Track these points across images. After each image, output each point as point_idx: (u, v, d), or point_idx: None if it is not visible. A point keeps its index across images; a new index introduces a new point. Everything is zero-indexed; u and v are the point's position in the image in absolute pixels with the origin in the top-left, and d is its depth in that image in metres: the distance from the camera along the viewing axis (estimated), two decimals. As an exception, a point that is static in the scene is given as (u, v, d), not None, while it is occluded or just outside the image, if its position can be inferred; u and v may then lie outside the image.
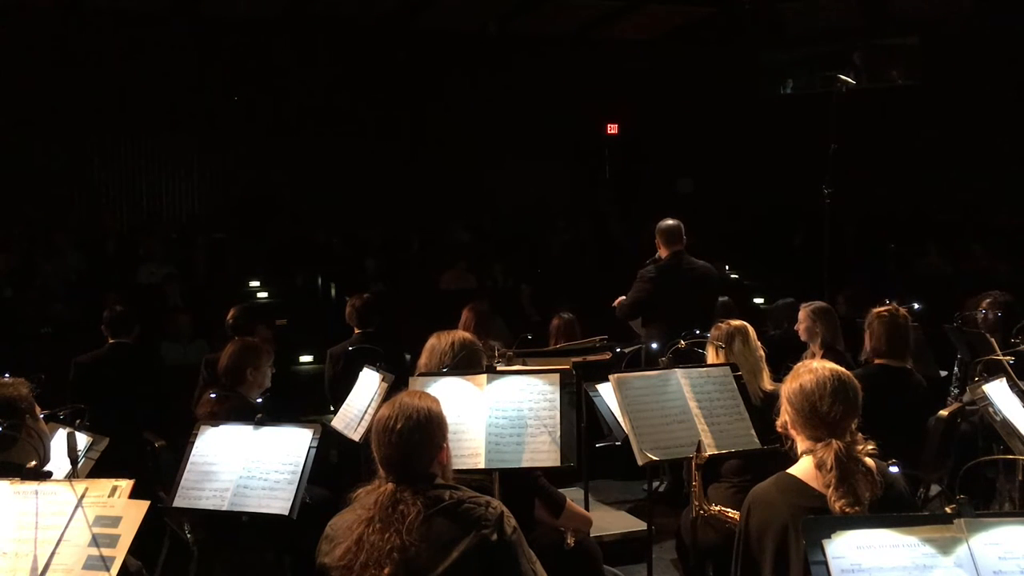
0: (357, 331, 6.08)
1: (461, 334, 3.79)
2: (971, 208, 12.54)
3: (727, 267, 11.24)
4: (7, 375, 2.94)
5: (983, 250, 10.66)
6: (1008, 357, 4.17)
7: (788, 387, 2.63)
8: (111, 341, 5.78)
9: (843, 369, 2.62)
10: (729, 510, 3.54)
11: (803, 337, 5.34)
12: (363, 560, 2.42)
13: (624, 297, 6.37)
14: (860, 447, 2.48)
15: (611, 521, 5.38)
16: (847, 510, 2.36)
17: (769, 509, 2.48)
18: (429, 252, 12.14)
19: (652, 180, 15.07)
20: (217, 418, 3.92)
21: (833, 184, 6.60)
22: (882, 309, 4.43)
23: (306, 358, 8.57)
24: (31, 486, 2.44)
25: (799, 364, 2.70)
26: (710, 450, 3.53)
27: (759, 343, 4.26)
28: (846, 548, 2.01)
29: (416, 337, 3.97)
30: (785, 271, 10.94)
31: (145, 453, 4.46)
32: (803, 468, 2.53)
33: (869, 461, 2.48)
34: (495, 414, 3.37)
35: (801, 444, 2.58)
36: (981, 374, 3.89)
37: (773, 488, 2.53)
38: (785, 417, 2.64)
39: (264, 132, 13.22)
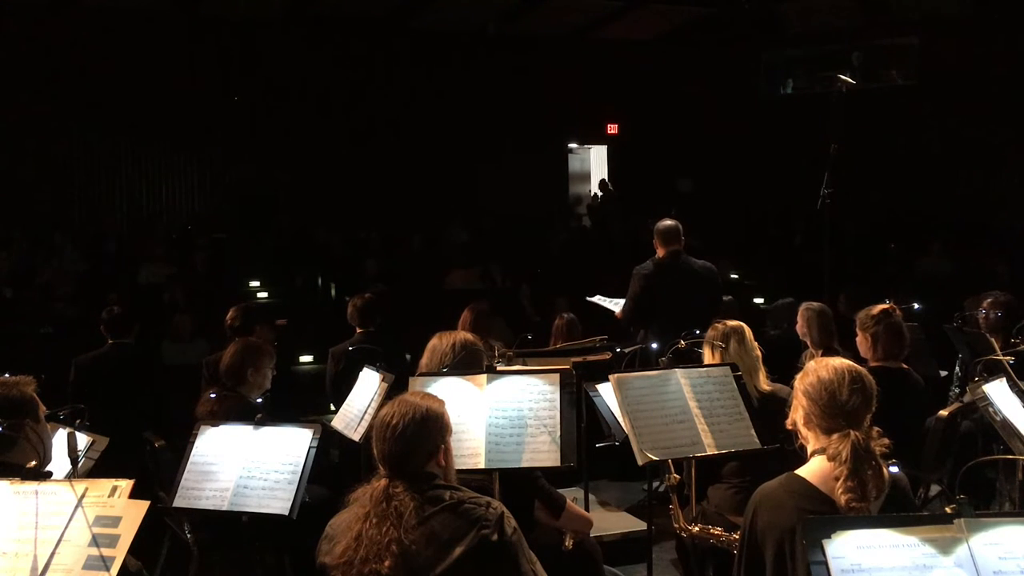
0: (359, 331, 6.08)
1: (463, 335, 3.78)
2: (971, 208, 12.55)
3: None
4: (7, 375, 2.94)
5: (983, 250, 10.66)
6: (1008, 357, 4.17)
7: (804, 381, 2.59)
8: (111, 341, 5.78)
9: (858, 365, 2.62)
10: (712, 527, 3.55)
11: (802, 337, 5.35)
12: (363, 555, 2.42)
13: (622, 303, 6.34)
14: (875, 441, 2.47)
15: (611, 521, 5.38)
16: (853, 504, 2.34)
17: (776, 511, 2.46)
18: (430, 252, 12.14)
19: (652, 180, 15.07)
20: (217, 418, 3.93)
21: (833, 184, 6.59)
22: (876, 311, 4.40)
23: (306, 358, 8.57)
24: (31, 486, 2.44)
25: (810, 362, 2.69)
26: (710, 450, 3.53)
27: (756, 343, 4.25)
28: (846, 548, 2.00)
29: (419, 337, 3.96)
30: (785, 271, 10.94)
31: (145, 453, 4.46)
32: (812, 470, 2.50)
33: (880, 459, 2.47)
34: (495, 414, 3.36)
35: (813, 443, 2.55)
36: (981, 374, 3.89)
37: (781, 489, 2.50)
38: (797, 413, 2.61)
39: (264, 132, 13.22)
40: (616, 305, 6.45)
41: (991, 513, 2.51)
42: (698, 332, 4.54)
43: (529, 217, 13.96)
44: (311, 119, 13.45)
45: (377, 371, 4.62)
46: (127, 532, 2.33)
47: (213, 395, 4.32)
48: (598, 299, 6.75)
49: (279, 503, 3.36)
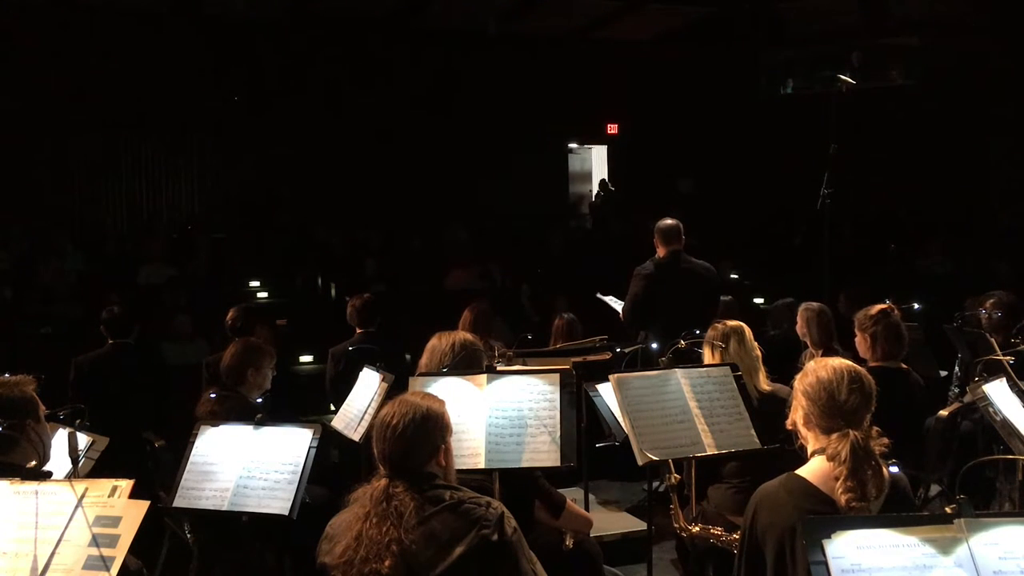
0: (359, 331, 6.09)
1: (462, 335, 3.78)
2: (971, 208, 12.55)
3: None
4: (7, 375, 2.94)
5: (983, 250, 10.66)
6: (1008, 357, 4.17)
7: (803, 381, 2.60)
8: (111, 341, 5.78)
9: (857, 365, 2.62)
10: (712, 527, 3.55)
11: (802, 338, 5.35)
12: (363, 555, 2.43)
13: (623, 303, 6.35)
14: (875, 441, 2.47)
15: (611, 521, 5.38)
16: (853, 504, 2.34)
17: (776, 510, 2.46)
18: (430, 252, 12.13)
19: (652, 180, 15.07)
20: (217, 418, 3.93)
21: (833, 184, 6.59)
22: (874, 311, 4.40)
23: (306, 358, 8.57)
24: (31, 486, 2.44)
25: (810, 362, 2.69)
26: (710, 450, 3.53)
27: (755, 343, 4.25)
28: (846, 548, 2.01)
29: (419, 337, 3.97)
30: (785, 271, 10.94)
31: (145, 453, 4.47)
32: (812, 470, 2.51)
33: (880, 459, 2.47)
34: (495, 414, 3.37)
35: (812, 443, 2.56)
36: (981, 374, 3.89)
37: (781, 489, 2.51)
38: (797, 414, 2.61)
39: (264, 132, 13.22)
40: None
41: (991, 513, 2.51)
42: (698, 332, 4.55)
43: (529, 217, 13.95)
44: (311, 118, 13.43)
45: (377, 371, 4.62)
46: (127, 532, 2.33)
47: (213, 395, 4.32)
48: (609, 299, 6.76)
49: (279, 503, 3.36)
